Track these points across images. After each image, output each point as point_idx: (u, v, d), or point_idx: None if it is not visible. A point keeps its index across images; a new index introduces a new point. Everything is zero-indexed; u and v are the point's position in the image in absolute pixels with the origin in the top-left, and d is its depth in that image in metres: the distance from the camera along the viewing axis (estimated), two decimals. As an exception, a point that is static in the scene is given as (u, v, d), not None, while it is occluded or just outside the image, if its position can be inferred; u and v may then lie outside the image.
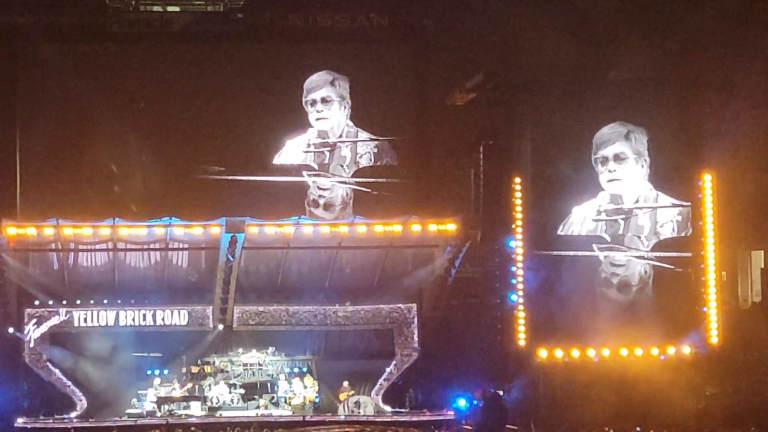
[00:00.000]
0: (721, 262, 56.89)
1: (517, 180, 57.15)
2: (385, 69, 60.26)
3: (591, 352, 55.99)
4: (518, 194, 57.15)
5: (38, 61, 58.00)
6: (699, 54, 56.11)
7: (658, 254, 57.30)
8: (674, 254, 57.32)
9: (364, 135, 59.88)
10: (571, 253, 56.83)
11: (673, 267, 56.98)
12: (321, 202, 60.10)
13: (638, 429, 46.53)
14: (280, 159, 60.02)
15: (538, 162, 57.38)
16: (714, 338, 56.56)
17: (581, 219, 57.01)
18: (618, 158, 56.90)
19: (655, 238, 57.26)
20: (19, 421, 53.44)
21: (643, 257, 57.36)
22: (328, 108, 60.01)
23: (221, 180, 58.81)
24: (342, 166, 60.34)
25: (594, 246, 57.09)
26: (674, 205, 57.22)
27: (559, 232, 57.21)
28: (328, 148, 59.89)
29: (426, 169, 59.30)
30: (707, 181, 57.08)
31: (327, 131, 60.01)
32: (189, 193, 58.26)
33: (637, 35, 56.04)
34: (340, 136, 59.84)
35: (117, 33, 58.22)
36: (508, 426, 28.15)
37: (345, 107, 59.96)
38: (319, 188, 59.91)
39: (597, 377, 54.47)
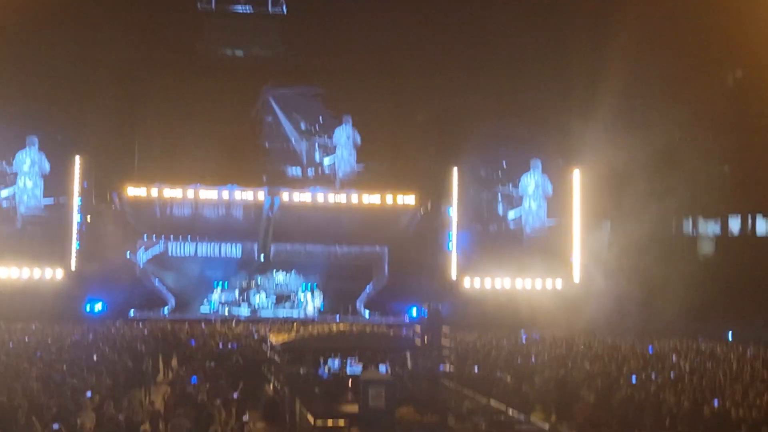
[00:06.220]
0: (582, 227, 57.08)
1: (455, 170, 56.96)
2: (372, 109, 59.19)
3: (498, 282, 56.09)
4: (455, 180, 56.97)
5: (153, 85, 57.73)
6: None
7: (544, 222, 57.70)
8: (552, 222, 57.60)
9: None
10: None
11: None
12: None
13: (522, 330, 46.40)
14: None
15: (470, 163, 57.45)
16: (577, 278, 56.66)
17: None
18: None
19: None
20: (132, 313, 53.35)
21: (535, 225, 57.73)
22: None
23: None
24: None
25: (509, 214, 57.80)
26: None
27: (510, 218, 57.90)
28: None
29: (397, 165, 58.79)
30: (576, 173, 57.17)
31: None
32: (246, 168, 58.04)
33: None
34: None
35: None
36: (442, 328, 27.93)
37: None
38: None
39: (500, 299, 54.45)
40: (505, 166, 57.73)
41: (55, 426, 17.95)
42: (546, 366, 30.63)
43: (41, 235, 53.65)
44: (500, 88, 55.37)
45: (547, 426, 21.61)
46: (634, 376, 27.47)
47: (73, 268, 53.70)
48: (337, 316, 54.58)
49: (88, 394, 21.77)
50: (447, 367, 27.68)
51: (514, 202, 57.65)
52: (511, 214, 57.60)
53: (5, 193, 53.47)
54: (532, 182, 57.44)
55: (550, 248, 56.56)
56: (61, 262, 53.38)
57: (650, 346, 38.91)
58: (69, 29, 52.61)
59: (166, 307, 55.76)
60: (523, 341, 41.63)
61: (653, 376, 27.90)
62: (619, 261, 54.07)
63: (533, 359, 33.21)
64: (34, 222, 53.98)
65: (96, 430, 19.34)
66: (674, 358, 33.75)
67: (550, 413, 23.42)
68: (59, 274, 53.12)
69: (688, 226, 60.22)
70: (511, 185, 57.62)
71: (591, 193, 56.31)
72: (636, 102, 56.15)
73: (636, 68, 51.97)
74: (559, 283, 56.12)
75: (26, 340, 35.57)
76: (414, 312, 52.84)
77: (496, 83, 55.37)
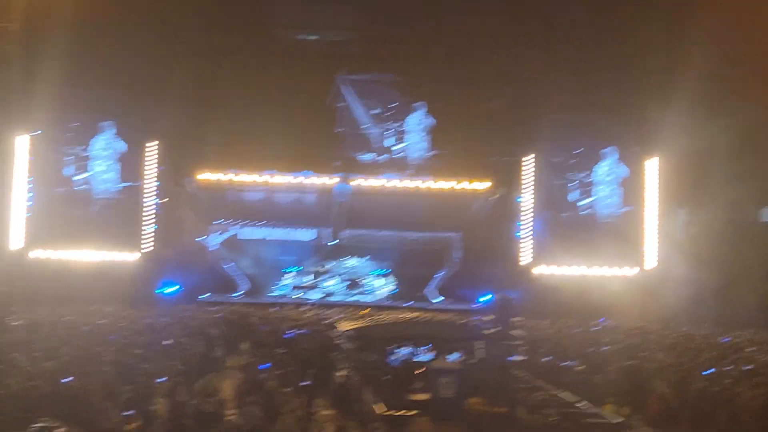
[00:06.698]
0: (658, 214, 56.34)
1: (528, 156, 56.35)
2: (445, 96, 58.33)
3: (571, 269, 55.65)
4: (528, 167, 56.46)
5: (227, 70, 57.96)
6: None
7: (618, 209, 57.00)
8: (627, 209, 56.84)
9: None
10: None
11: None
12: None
13: (600, 320, 45.95)
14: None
15: (543, 150, 56.92)
16: (651, 265, 55.96)
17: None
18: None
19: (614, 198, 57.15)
20: (204, 296, 53.86)
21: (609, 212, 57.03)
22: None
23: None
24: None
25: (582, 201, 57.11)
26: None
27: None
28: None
29: (470, 151, 58.32)
30: (652, 161, 56.39)
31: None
32: (319, 154, 58.20)
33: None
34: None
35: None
36: (513, 318, 27.86)
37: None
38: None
39: (573, 286, 53.97)
40: (579, 153, 57.00)
41: (129, 412, 18.26)
42: (618, 356, 30.42)
43: (116, 218, 54.21)
44: (576, 74, 54.62)
45: (619, 419, 21.45)
46: (710, 369, 27.19)
47: (146, 251, 54.30)
48: (409, 302, 54.73)
49: (161, 379, 22.09)
50: (517, 357, 27.64)
51: (587, 189, 56.96)
52: (585, 201, 56.89)
53: (81, 177, 54.25)
54: (606, 169, 56.69)
55: (624, 235, 55.75)
56: (135, 245, 54.04)
57: (726, 337, 38.44)
58: (144, 15, 52.99)
59: (237, 291, 56.32)
60: (596, 329, 41.41)
61: (728, 369, 27.58)
62: (695, 248, 53.35)
63: (605, 348, 33.00)
64: (109, 205, 54.57)
65: (169, 416, 19.63)
66: (751, 350, 33.28)
67: (623, 406, 23.24)
68: (133, 257, 53.81)
69: (768, 213, 59.28)
70: (585, 172, 56.91)
71: (667, 180, 55.44)
72: (717, 86, 55.11)
73: (718, 50, 51.04)
74: (633, 271, 55.46)
75: (100, 323, 36.16)
76: (485, 299, 52.65)
77: (571, 69, 54.65)
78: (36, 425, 17.64)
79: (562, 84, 53.79)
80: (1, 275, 41.32)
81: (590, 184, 56.76)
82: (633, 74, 54.52)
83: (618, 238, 55.34)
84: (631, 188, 56.63)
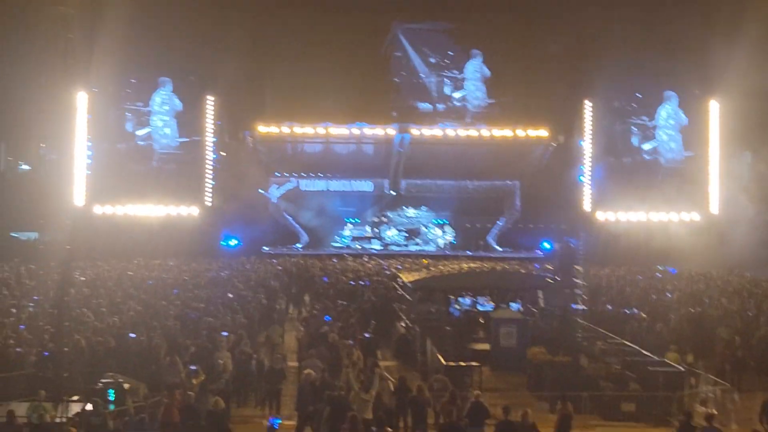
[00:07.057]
0: (721, 158, 55.54)
1: (588, 102, 55.71)
2: (503, 42, 57.95)
3: (633, 216, 55.11)
4: (588, 112, 55.71)
5: (282, 23, 57.66)
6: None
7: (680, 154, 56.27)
8: (689, 154, 56.06)
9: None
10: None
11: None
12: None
13: (659, 267, 45.52)
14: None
15: (603, 95, 56.09)
16: (714, 209, 55.24)
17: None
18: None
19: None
20: (265, 248, 54.20)
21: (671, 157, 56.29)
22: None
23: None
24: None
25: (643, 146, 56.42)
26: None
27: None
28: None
29: (529, 98, 57.66)
30: (713, 104, 55.48)
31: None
32: (376, 104, 57.94)
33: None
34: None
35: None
36: (575, 267, 27.74)
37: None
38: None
39: (635, 232, 53.55)
40: (639, 97, 56.15)
41: (193, 367, 18.54)
42: (681, 303, 30.23)
43: (177, 172, 54.49)
44: (634, 16, 53.50)
45: (681, 367, 21.33)
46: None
47: (208, 204, 54.66)
48: (468, 251, 54.63)
49: (224, 333, 22.37)
50: (579, 306, 27.59)
51: (648, 133, 56.11)
52: (646, 146, 56.04)
53: (142, 132, 54.62)
54: (667, 113, 55.81)
55: (687, 180, 54.99)
56: (196, 199, 54.35)
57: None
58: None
59: (298, 243, 56.69)
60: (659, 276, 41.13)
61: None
62: (760, 192, 52.56)
63: (668, 295, 32.81)
64: (170, 160, 54.85)
65: (233, 370, 19.90)
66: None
67: (686, 353, 23.11)
68: (194, 210, 54.15)
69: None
70: (645, 117, 56.05)
71: (730, 123, 54.42)
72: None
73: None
74: (696, 216, 54.74)
75: (163, 276, 36.63)
76: (546, 246, 52.39)
77: (629, 11, 53.54)
78: (103, 380, 17.98)
79: (622, 27, 52.75)
80: (66, 231, 41.79)
81: (652, 128, 55.91)
82: (694, 16, 53.44)
83: (681, 183, 54.60)
84: (694, 132, 55.71)
